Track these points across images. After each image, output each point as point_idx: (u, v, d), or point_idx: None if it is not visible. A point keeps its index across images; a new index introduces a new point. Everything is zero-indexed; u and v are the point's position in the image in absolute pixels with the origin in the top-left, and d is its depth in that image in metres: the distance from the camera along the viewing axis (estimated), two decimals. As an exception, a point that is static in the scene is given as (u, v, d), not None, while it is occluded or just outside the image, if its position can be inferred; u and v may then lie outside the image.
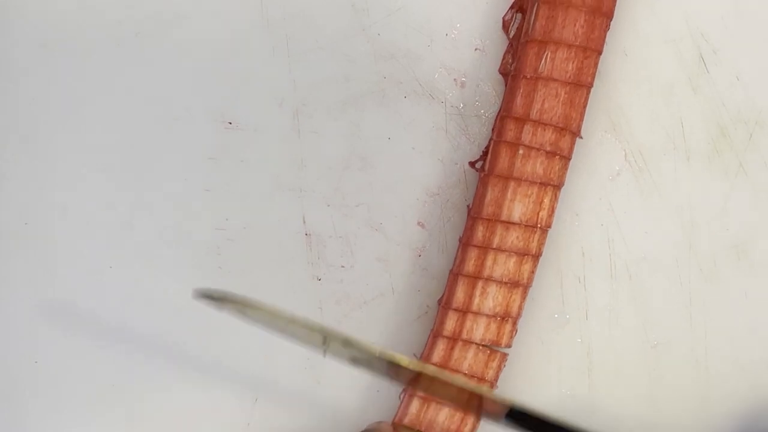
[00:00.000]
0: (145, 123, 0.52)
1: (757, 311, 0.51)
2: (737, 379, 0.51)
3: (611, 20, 0.47)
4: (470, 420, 0.47)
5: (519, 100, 0.47)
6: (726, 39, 0.51)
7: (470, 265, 0.48)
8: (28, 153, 0.53)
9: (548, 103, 0.47)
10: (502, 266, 0.47)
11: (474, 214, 0.48)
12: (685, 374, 0.51)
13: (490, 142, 0.49)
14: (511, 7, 0.50)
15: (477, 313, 0.47)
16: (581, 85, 0.47)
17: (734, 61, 0.51)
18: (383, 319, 0.52)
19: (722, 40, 0.51)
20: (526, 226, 0.47)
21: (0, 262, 0.53)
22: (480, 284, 0.47)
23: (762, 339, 0.51)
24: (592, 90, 0.50)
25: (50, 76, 0.53)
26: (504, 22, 0.50)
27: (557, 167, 0.47)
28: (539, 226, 0.47)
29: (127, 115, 0.52)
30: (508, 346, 0.48)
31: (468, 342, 0.48)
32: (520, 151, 0.47)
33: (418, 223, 0.52)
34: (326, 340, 0.38)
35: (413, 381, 0.43)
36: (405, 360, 0.39)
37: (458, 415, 0.47)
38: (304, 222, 0.52)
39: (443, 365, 0.48)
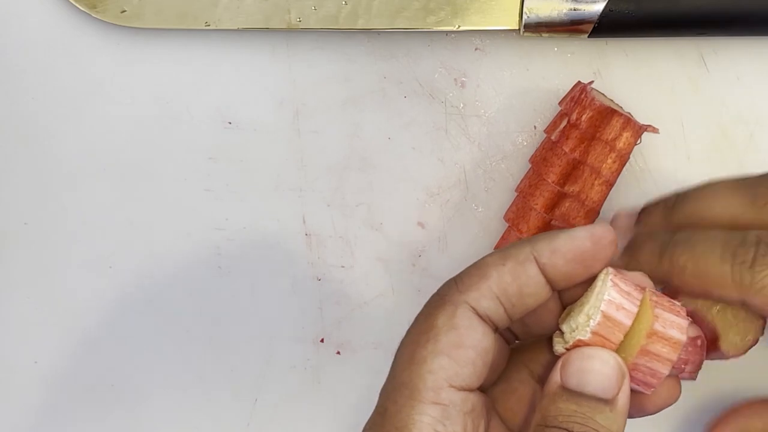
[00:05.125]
0: (145, 123, 0.52)
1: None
2: (737, 377, 0.51)
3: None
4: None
5: None
6: (726, 39, 0.51)
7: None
8: (28, 153, 0.53)
9: None
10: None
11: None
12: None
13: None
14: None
15: None
16: None
17: (734, 61, 0.51)
18: (383, 319, 0.52)
19: (722, 40, 0.51)
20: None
21: (0, 262, 0.53)
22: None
23: (762, 338, 0.51)
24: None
25: (50, 75, 0.53)
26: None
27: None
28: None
29: (127, 115, 0.52)
30: None
31: None
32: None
33: (418, 223, 0.52)
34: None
35: None
36: None
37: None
38: (304, 222, 0.52)
39: None
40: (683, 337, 0.35)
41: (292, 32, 0.51)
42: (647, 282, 0.37)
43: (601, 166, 0.48)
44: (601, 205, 0.49)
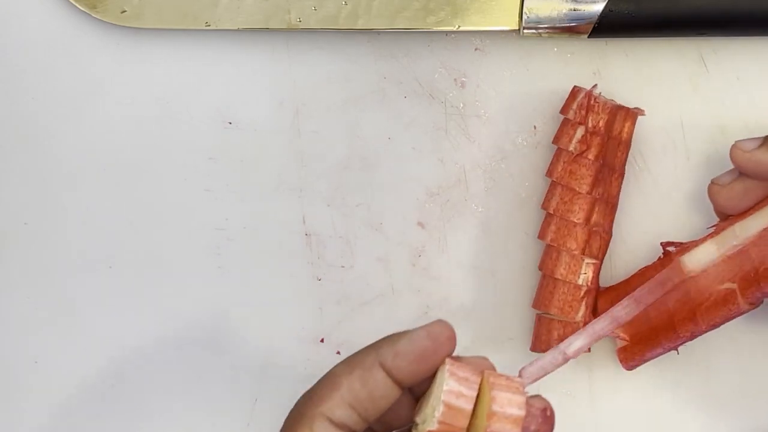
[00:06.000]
0: (145, 123, 0.52)
1: (757, 311, 0.51)
2: (737, 378, 0.51)
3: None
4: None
5: None
6: (726, 39, 0.51)
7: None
8: (28, 153, 0.53)
9: None
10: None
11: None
12: (685, 374, 0.51)
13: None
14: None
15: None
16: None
17: (734, 61, 0.51)
18: (383, 319, 0.52)
19: (722, 40, 0.51)
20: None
21: (0, 262, 0.53)
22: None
23: (763, 339, 0.51)
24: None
25: (50, 75, 0.53)
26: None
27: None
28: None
29: (127, 115, 0.52)
30: None
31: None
32: None
33: (418, 223, 0.52)
34: None
35: None
36: None
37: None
38: (304, 222, 0.52)
39: None
40: (522, 413, 0.37)
41: (292, 32, 0.51)
42: (487, 364, 0.39)
43: (615, 162, 0.49)
44: (618, 197, 0.49)
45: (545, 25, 0.49)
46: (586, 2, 0.48)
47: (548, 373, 0.40)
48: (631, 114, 0.49)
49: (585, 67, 0.51)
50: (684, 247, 0.47)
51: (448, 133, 0.52)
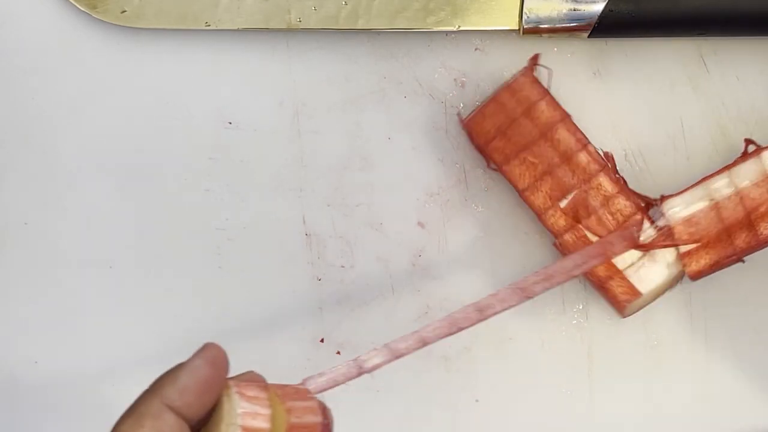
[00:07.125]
0: (146, 123, 0.52)
1: (757, 311, 0.51)
2: (737, 379, 0.51)
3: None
4: None
5: None
6: (726, 39, 0.51)
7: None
8: (28, 153, 0.53)
9: None
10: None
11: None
12: (685, 374, 0.51)
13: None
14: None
15: None
16: None
17: (734, 61, 0.51)
18: (383, 319, 0.52)
19: (722, 40, 0.51)
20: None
21: (0, 262, 0.53)
22: None
23: (762, 338, 0.51)
24: (593, 90, 0.50)
25: (50, 75, 0.53)
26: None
27: None
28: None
29: (127, 115, 0.52)
30: None
31: None
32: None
33: (418, 223, 0.52)
34: None
35: None
36: None
37: None
38: (304, 222, 0.52)
39: None
40: (319, 419, 0.37)
41: (292, 32, 0.51)
42: (258, 377, 0.39)
43: (539, 128, 0.48)
44: (578, 135, 0.48)
45: (545, 25, 0.49)
46: (586, 2, 0.48)
47: (339, 384, 0.39)
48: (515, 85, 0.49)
49: (585, 67, 0.51)
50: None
51: (448, 133, 0.52)
